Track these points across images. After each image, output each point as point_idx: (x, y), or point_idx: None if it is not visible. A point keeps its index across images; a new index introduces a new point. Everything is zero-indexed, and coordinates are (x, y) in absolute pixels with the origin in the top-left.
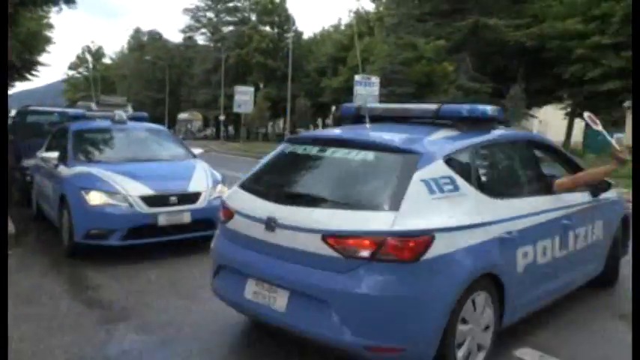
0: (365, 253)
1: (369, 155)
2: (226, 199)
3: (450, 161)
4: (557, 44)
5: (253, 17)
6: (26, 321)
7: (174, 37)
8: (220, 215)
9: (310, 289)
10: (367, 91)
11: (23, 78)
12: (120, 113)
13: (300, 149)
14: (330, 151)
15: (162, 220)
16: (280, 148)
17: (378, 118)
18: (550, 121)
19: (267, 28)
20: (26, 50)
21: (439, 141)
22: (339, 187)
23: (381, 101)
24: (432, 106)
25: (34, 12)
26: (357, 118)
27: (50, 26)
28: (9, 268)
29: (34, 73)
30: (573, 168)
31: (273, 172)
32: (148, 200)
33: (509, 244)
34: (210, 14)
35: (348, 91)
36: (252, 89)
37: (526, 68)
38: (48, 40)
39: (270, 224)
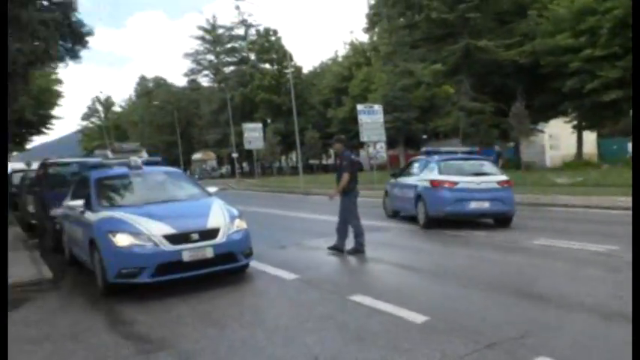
0: None
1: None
2: (441, 179)
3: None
4: (551, 60)
5: (252, 56)
6: (73, 354)
7: (179, 80)
8: (441, 185)
9: (496, 198)
10: (372, 119)
11: (39, 132)
12: (135, 159)
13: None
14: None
15: (186, 257)
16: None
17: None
18: (561, 135)
19: (267, 66)
20: (39, 106)
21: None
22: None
23: (387, 128)
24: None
25: (42, 69)
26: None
27: (59, 81)
28: (51, 309)
29: (49, 126)
30: None
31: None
32: (171, 238)
33: None
34: (210, 57)
35: (354, 121)
36: (260, 125)
37: (525, 85)
38: (58, 95)
39: (479, 182)
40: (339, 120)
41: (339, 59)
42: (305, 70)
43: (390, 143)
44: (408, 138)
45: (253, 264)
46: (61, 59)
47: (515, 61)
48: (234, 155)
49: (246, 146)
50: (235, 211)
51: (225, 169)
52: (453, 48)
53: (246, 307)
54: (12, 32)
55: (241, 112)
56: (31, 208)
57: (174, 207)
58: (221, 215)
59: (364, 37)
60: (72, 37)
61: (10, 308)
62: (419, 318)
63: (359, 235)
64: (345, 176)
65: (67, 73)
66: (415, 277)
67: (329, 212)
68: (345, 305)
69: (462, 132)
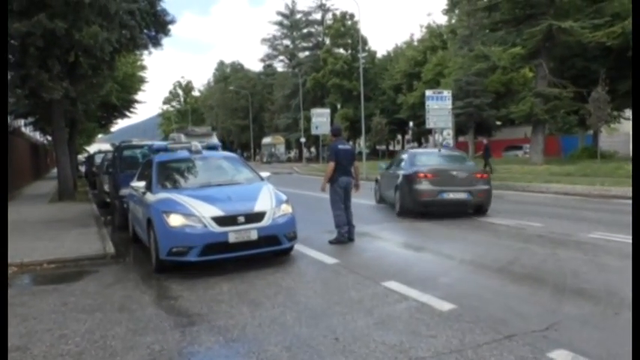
0: None
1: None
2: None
3: None
4: None
5: (327, 41)
6: (118, 324)
7: (255, 66)
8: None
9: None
10: (440, 105)
11: (123, 116)
12: (196, 144)
13: None
14: None
15: (232, 238)
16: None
17: None
18: None
19: (341, 51)
20: (124, 91)
21: None
22: None
23: (456, 115)
24: None
25: (128, 57)
26: None
27: (143, 67)
28: (108, 282)
29: (132, 110)
30: None
31: None
32: (219, 220)
33: None
34: (286, 42)
35: (424, 106)
36: (327, 111)
37: (611, 69)
38: (142, 80)
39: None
40: (409, 106)
41: (415, 43)
42: (379, 55)
43: (460, 130)
44: (479, 125)
45: (298, 247)
46: (145, 47)
47: (602, 43)
48: (302, 140)
49: (313, 131)
50: (283, 196)
51: (293, 153)
52: (534, 30)
53: (283, 288)
54: (101, 22)
55: (313, 97)
56: (106, 187)
57: (227, 190)
58: (268, 199)
59: (442, 20)
60: (155, 26)
61: (73, 279)
62: (446, 306)
63: (339, 225)
64: (330, 165)
65: (153, 58)
66: (451, 265)
67: None
68: (377, 290)
69: (535, 119)
